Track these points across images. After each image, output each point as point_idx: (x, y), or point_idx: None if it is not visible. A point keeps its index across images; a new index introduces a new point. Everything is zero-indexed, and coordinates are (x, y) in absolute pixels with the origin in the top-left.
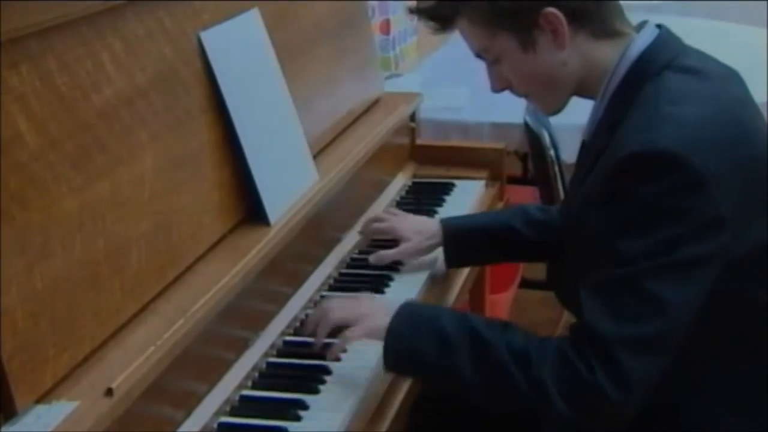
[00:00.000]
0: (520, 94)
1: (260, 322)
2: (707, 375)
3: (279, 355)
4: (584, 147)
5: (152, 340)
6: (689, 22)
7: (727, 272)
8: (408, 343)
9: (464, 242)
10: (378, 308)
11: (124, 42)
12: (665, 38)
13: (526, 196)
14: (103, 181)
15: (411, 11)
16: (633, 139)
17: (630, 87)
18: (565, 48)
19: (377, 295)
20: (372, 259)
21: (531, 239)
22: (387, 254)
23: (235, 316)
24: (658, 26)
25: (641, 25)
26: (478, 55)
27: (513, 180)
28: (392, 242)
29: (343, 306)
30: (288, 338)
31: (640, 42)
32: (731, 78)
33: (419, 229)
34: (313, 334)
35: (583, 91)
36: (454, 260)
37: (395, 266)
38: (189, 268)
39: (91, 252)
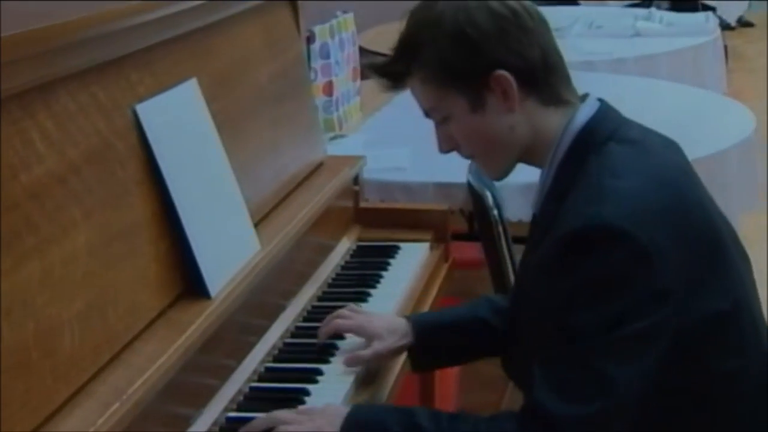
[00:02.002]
0: (466, 156)
1: (202, 398)
2: None
3: None
4: (534, 220)
5: (86, 426)
6: (622, 79)
7: (676, 343)
8: None
9: (435, 340)
10: (326, 421)
11: (55, 119)
12: (606, 110)
13: (472, 252)
14: (33, 261)
15: (366, 66)
16: (577, 213)
17: (575, 158)
18: (515, 111)
19: (328, 403)
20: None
21: (501, 329)
22: (362, 356)
23: (176, 393)
24: (599, 100)
25: (583, 98)
26: (427, 114)
27: (459, 236)
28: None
29: (293, 423)
30: (231, 414)
31: (584, 113)
32: (672, 149)
33: (391, 328)
34: None
35: (529, 159)
36: (423, 363)
37: (340, 336)
38: (126, 347)
39: (19, 337)
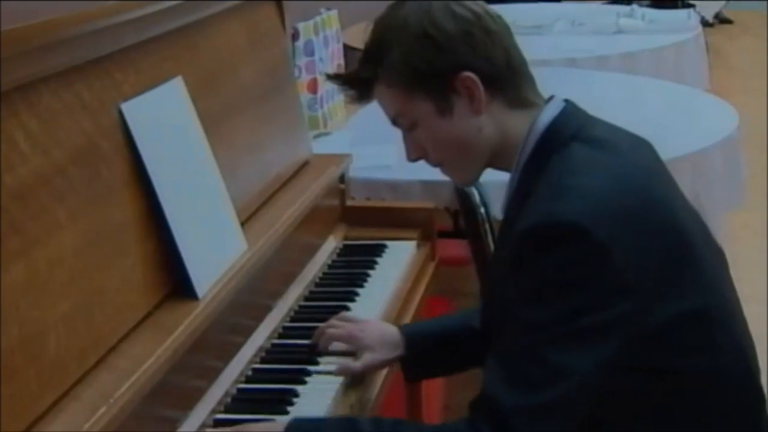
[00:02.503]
0: (434, 164)
1: (190, 401)
2: None
3: None
4: (503, 222)
5: (73, 431)
6: (605, 76)
7: (636, 344)
8: None
9: (427, 352)
10: None
11: (39, 118)
12: (571, 110)
13: (458, 250)
14: (18, 264)
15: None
16: (536, 210)
17: (539, 159)
18: (481, 113)
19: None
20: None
21: None
22: (352, 368)
23: (163, 396)
24: (565, 101)
25: (548, 99)
26: (394, 122)
27: (444, 234)
28: (326, 312)
29: None
30: (219, 416)
31: (547, 114)
32: (641, 148)
33: (383, 339)
34: None
35: (497, 163)
36: (415, 374)
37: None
38: (113, 349)
39: (4, 341)
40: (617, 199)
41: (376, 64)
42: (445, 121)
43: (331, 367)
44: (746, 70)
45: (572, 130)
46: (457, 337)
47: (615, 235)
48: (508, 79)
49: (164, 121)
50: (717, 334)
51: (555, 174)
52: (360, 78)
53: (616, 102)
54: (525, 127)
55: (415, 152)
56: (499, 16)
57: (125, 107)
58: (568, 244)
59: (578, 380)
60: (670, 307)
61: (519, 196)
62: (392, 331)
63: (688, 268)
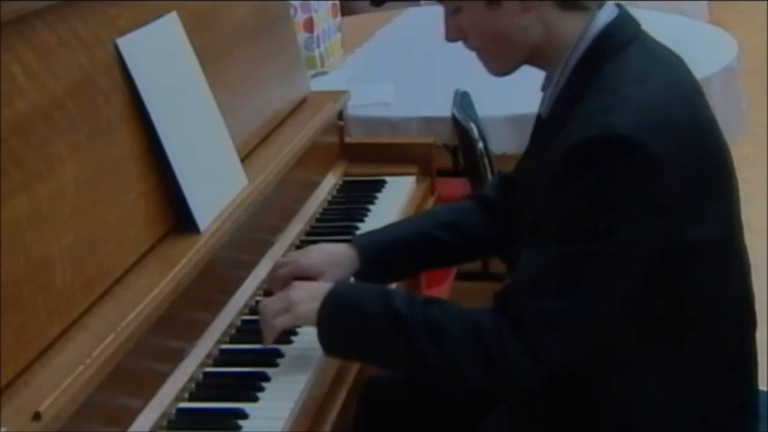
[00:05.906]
0: (471, 48)
1: (194, 332)
2: (639, 361)
3: (215, 364)
4: (540, 121)
5: (81, 359)
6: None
7: (658, 267)
8: (335, 327)
9: (381, 261)
10: (307, 294)
11: (35, 52)
12: (626, 17)
13: (458, 188)
14: (21, 197)
15: None
16: (591, 122)
17: (592, 63)
18: (530, 11)
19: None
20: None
21: (445, 241)
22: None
23: (168, 326)
24: (618, 5)
25: (601, 5)
26: (440, 0)
27: (443, 173)
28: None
29: (274, 301)
30: (224, 347)
31: (603, 18)
32: (682, 64)
33: (333, 260)
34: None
35: (537, 61)
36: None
37: None
38: (118, 281)
39: (10, 272)
40: (672, 113)
41: None
42: (491, 12)
43: None
44: (745, 4)
45: (628, 36)
46: (413, 245)
47: (667, 152)
48: None
49: (161, 56)
50: (732, 262)
51: (611, 83)
52: None
53: None
54: (575, 29)
55: (453, 34)
56: None
57: (121, 42)
58: (621, 158)
59: (602, 297)
60: (699, 232)
61: (565, 97)
62: (341, 250)
63: (724, 196)
